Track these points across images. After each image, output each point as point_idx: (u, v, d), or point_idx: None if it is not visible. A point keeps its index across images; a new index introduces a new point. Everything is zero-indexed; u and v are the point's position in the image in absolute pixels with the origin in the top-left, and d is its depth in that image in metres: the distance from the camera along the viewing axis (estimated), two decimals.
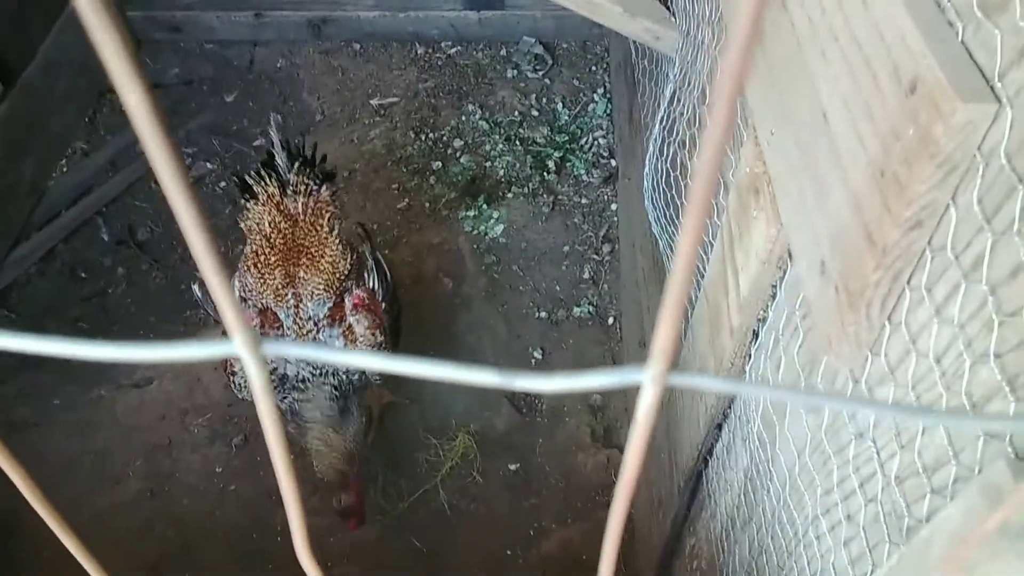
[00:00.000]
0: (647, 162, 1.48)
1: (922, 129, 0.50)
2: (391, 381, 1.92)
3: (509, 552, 1.86)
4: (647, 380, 0.21)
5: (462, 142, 2.59)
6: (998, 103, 0.47)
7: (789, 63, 0.76)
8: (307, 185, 1.74)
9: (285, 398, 1.58)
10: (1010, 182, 0.47)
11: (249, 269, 1.67)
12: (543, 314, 2.23)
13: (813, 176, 0.70)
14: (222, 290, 0.20)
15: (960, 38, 0.51)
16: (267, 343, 0.21)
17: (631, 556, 1.77)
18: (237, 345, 0.21)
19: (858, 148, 0.60)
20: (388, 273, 1.78)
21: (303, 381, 1.58)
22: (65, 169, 2.50)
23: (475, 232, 2.38)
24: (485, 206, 2.42)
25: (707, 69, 1.24)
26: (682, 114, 1.38)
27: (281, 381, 1.58)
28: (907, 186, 0.52)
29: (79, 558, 0.32)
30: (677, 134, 1.37)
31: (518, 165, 2.52)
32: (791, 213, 0.75)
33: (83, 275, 2.28)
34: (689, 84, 1.36)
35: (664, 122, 1.44)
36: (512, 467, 1.98)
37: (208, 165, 2.53)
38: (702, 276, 1.14)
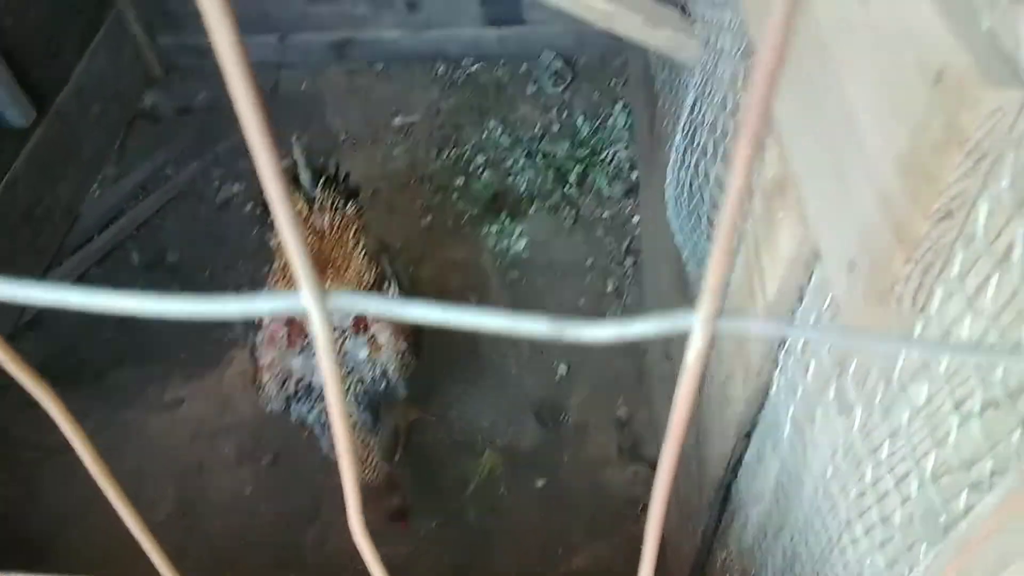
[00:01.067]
0: (669, 171, 1.48)
1: (950, 118, 0.49)
2: (418, 397, 1.92)
3: (539, 569, 1.85)
4: (697, 324, 0.21)
5: (484, 158, 2.60)
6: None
7: (812, 58, 0.75)
8: (333, 201, 1.77)
9: (312, 409, 1.59)
10: None
11: (277, 283, 1.70)
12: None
13: (839, 173, 0.69)
14: (294, 239, 0.20)
15: (986, 25, 0.50)
16: (336, 296, 0.21)
17: (662, 570, 1.75)
18: (304, 297, 0.21)
19: (885, 141, 0.59)
20: (406, 285, 1.80)
21: None
22: (97, 194, 2.55)
23: (498, 248, 2.38)
24: (508, 221, 2.42)
25: (728, 76, 1.24)
26: (703, 123, 1.37)
27: (307, 391, 1.59)
28: (936, 177, 0.51)
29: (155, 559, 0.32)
30: (699, 143, 1.37)
31: (540, 180, 2.53)
32: (817, 213, 0.74)
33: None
34: (710, 92, 1.36)
35: (685, 131, 1.44)
36: (539, 483, 1.96)
37: (235, 187, 2.56)
38: (728, 283, 1.13)
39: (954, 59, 0.49)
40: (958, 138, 0.49)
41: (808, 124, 0.78)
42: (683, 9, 1.59)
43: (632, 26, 1.48)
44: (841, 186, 0.69)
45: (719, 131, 1.28)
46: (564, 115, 2.72)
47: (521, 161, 2.58)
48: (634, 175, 2.51)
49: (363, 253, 1.72)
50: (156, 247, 2.43)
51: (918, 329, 0.60)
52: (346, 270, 1.69)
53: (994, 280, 0.50)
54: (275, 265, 1.75)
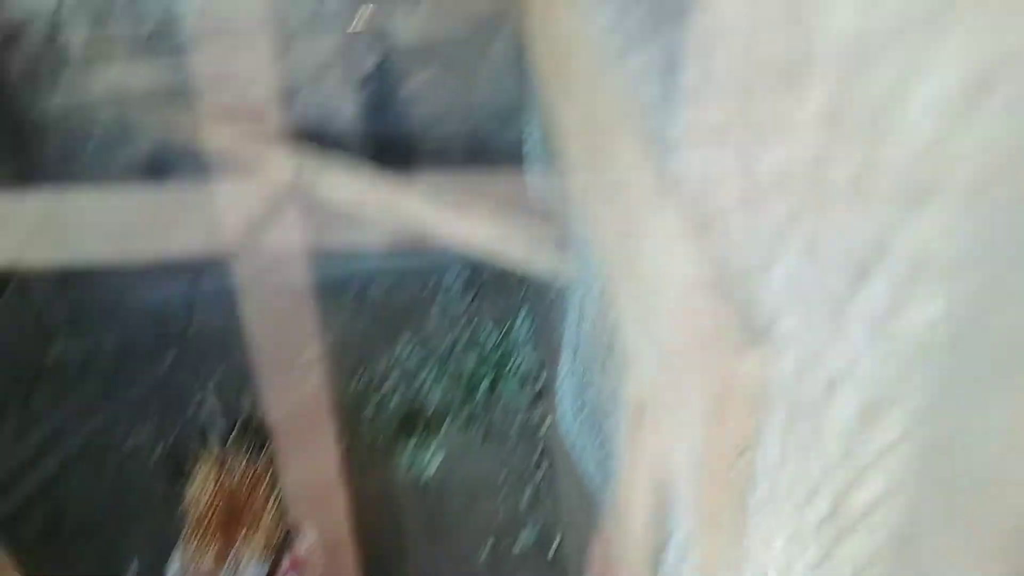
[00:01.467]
0: (559, 387, 1.57)
1: (725, 373, 0.59)
2: None
3: None
4: None
5: (396, 377, 2.67)
6: (775, 347, 0.57)
7: (640, 301, 0.87)
8: (243, 451, 1.80)
9: None
10: (800, 408, 0.55)
11: (189, 539, 1.69)
12: (488, 547, 2.21)
13: (675, 407, 0.78)
14: None
15: (742, 292, 0.61)
16: None
17: None
18: None
19: (693, 386, 0.69)
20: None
21: None
22: None
23: (412, 471, 2.40)
24: (421, 442, 2.46)
25: (599, 301, 1.37)
26: (584, 340, 1.49)
27: None
28: (726, 420, 0.61)
29: None
30: (581, 359, 1.48)
31: (451, 394, 2.60)
32: (664, 438, 0.83)
33: (17, 566, 2.19)
34: (588, 312, 1.48)
35: (570, 347, 1.55)
36: None
37: (143, 435, 2.53)
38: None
39: (720, 325, 0.60)
40: (734, 389, 0.58)
41: (647, 355, 0.88)
42: (565, 234, 1.76)
43: (515, 259, 1.64)
44: (676, 416, 0.78)
45: (597, 349, 1.39)
46: (472, 326, 2.85)
47: (432, 376, 2.66)
48: (542, 379, 2.61)
49: (275, 504, 1.74)
50: (60, 506, 2.35)
51: (748, 550, 0.67)
52: (259, 521, 1.70)
53: (789, 503, 0.58)
54: (188, 518, 1.74)
